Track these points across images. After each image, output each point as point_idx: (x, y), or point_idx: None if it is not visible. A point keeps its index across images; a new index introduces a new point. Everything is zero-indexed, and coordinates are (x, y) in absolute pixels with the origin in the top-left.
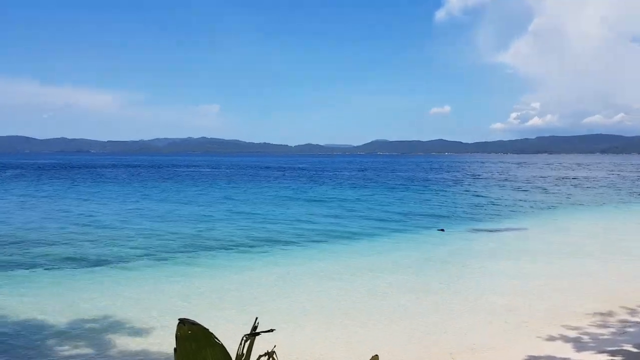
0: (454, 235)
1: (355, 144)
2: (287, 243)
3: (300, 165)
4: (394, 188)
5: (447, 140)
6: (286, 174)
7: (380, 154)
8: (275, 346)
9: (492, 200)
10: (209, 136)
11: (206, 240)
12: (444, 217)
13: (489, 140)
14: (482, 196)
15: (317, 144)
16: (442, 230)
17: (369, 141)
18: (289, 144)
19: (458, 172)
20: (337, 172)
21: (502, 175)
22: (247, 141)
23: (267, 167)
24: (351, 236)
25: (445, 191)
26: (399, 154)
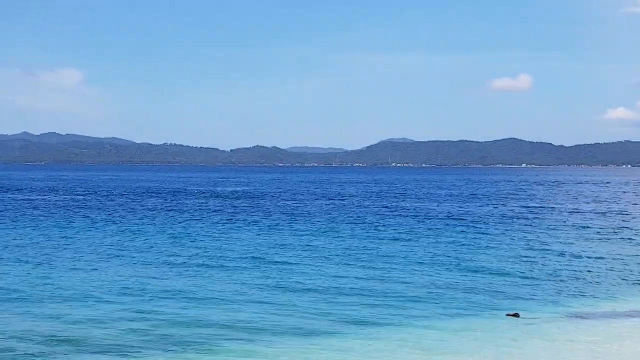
0: (536, 327)
1: (349, 148)
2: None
3: (237, 188)
4: (423, 236)
5: (522, 141)
6: (208, 210)
7: (393, 167)
8: None
9: (601, 260)
10: (62, 132)
11: None
12: (513, 286)
13: (601, 142)
14: (584, 254)
15: (274, 147)
16: (516, 315)
17: (374, 142)
18: (220, 147)
19: (537, 202)
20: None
21: (623, 222)
22: (139, 142)
23: (168, 194)
24: (358, 331)
25: (516, 240)
26: (430, 167)
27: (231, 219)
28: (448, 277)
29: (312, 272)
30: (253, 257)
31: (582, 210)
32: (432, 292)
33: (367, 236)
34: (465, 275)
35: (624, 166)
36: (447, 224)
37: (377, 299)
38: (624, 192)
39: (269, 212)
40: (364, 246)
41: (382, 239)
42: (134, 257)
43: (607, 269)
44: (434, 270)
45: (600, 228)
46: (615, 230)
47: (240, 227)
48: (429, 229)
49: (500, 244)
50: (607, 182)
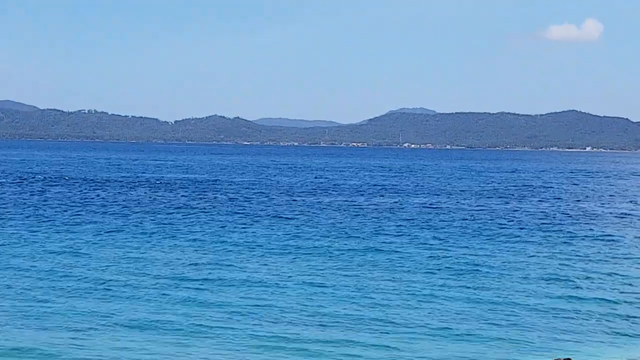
0: None
1: (344, 121)
2: None
3: (187, 176)
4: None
5: (587, 115)
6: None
7: (405, 147)
8: None
9: None
10: None
11: None
12: (556, 320)
13: None
14: None
15: (238, 119)
16: None
17: (380, 114)
18: (161, 118)
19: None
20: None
21: None
22: (43, 107)
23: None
24: None
25: (557, 257)
26: (458, 149)
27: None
28: (464, 307)
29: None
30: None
31: None
32: (457, 331)
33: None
34: (488, 305)
35: None
36: (465, 233)
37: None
38: None
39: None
40: (357, 274)
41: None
42: None
43: None
44: (444, 303)
45: None
46: None
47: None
48: (436, 237)
49: (538, 264)
50: None
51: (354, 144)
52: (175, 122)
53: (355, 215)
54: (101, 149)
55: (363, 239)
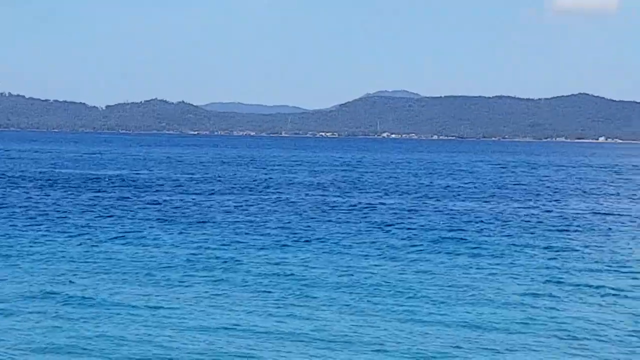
0: None
1: (310, 107)
2: None
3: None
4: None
5: (601, 99)
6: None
7: (385, 138)
8: None
9: None
10: None
11: None
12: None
13: None
14: None
15: (183, 104)
16: None
17: (353, 98)
18: (90, 103)
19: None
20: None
21: None
22: None
23: None
24: None
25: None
26: (447, 140)
27: None
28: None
29: None
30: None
31: None
32: None
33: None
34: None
35: None
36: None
37: None
38: None
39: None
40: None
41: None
42: None
43: None
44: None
45: None
46: None
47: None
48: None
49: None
50: None
51: (323, 133)
52: (107, 107)
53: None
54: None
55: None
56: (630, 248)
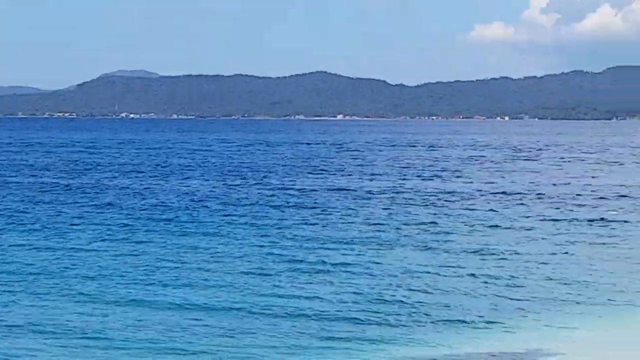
0: None
1: (48, 87)
2: None
3: None
4: None
5: (335, 75)
6: None
7: (123, 118)
8: None
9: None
10: None
11: None
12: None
13: (473, 79)
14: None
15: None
16: None
17: (91, 77)
18: None
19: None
20: None
21: None
22: None
23: None
24: None
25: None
26: (189, 119)
27: None
28: None
29: None
30: None
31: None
32: None
33: None
34: None
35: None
36: None
37: None
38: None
39: None
40: None
41: None
42: None
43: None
44: None
45: None
46: None
47: None
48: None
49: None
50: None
51: (61, 114)
52: None
53: None
54: None
55: None
56: (352, 223)
